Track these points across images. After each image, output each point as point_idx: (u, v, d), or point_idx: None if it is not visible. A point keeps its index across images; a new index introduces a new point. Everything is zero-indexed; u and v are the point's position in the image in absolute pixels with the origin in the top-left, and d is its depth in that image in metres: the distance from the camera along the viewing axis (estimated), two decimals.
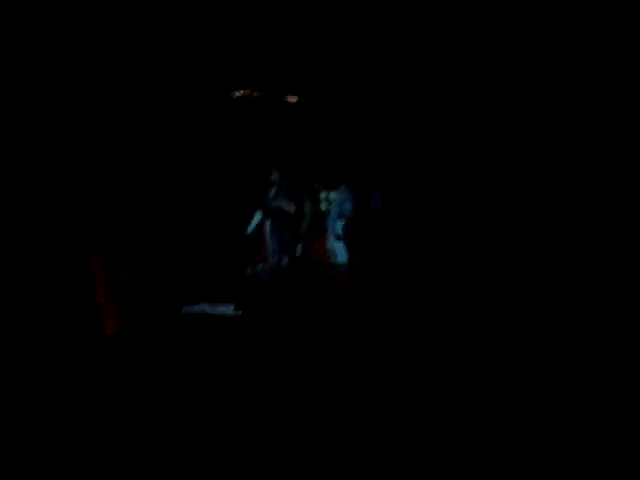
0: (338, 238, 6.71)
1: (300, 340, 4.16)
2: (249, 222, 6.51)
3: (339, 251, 6.76)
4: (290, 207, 6.59)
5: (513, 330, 4.17)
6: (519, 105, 5.21)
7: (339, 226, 6.69)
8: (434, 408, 3.06)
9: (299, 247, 6.88)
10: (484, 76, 5.44)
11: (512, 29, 4.82)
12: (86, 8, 4.22)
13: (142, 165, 4.98)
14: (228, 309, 4.85)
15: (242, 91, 6.35)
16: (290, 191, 6.59)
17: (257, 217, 6.56)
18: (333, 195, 6.76)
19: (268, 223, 6.63)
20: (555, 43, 4.64)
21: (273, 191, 6.60)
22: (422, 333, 4.31)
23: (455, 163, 5.91)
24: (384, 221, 6.59)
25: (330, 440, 2.77)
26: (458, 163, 5.88)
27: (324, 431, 2.85)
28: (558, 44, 4.62)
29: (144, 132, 5.11)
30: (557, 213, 4.93)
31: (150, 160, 5.16)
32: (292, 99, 6.30)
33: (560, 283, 4.66)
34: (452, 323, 4.46)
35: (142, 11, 4.62)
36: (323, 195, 6.84)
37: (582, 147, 4.74)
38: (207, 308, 4.80)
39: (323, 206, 6.84)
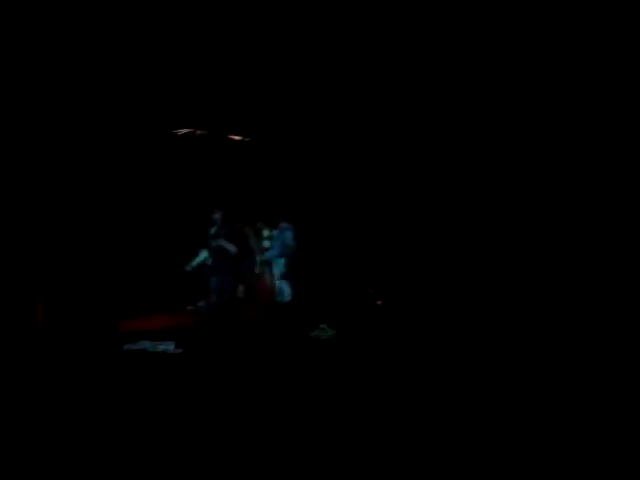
0: (282, 276, 6.68)
1: (240, 380, 4.07)
2: (192, 260, 6.42)
3: (285, 289, 6.72)
4: (230, 246, 6.55)
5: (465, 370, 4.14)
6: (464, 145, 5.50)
7: (282, 264, 6.68)
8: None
9: (241, 286, 6.79)
10: (425, 124, 5.78)
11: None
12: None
13: (85, 201, 4.87)
14: (169, 347, 4.73)
15: (185, 130, 6.38)
16: (231, 230, 6.57)
17: (201, 255, 6.48)
18: (276, 232, 6.79)
19: (210, 261, 6.54)
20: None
21: (214, 230, 6.56)
22: (369, 370, 4.30)
23: (399, 201, 6.14)
24: (329, 261, 6.66)
25: None
26: (402, 201, 6.11)
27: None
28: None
29: (86, 169, 5.03)
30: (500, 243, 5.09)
31: (94, 197, 5.05)
32: (236, 138, 6.40)
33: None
34: (399, 362, 4.46)
35: (88, 47, 4.64)
36: (266, 233, 6.86)
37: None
38: (148, 346, 4.64)
39: (266, 244, 6.84)
